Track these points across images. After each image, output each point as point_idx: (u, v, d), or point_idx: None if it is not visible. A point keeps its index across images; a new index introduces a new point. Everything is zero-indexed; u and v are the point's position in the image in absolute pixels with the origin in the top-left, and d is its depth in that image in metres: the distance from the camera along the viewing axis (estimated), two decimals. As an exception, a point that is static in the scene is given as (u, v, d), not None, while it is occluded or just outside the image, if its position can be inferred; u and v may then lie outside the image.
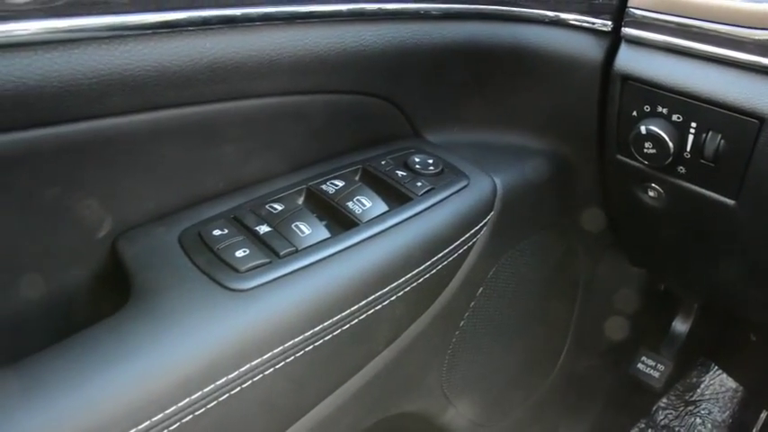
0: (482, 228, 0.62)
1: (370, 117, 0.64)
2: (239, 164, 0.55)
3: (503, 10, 0.64)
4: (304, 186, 0.56)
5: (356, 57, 0.56)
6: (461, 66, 0.66)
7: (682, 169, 0.61)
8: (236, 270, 0.46)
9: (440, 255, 0.57)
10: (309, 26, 0.52)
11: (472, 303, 0.68)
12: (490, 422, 0.85)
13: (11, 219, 0.44)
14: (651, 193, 0.68)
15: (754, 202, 0.58)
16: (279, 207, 0.53)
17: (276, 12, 0.49)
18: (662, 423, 1.29)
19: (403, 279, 0.54)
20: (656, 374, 1.10)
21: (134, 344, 0.41)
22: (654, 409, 1.28)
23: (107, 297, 0.49)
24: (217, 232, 0.49)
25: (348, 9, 0.54)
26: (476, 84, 0.69)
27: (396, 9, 0.58)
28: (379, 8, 0.56)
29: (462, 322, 0.68)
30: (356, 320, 0.51)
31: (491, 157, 0.69)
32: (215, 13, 0.46)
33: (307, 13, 0.51)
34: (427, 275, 0.57)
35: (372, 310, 0.52)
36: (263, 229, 0.50)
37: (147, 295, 0.44)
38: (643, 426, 1.27)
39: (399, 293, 0.54)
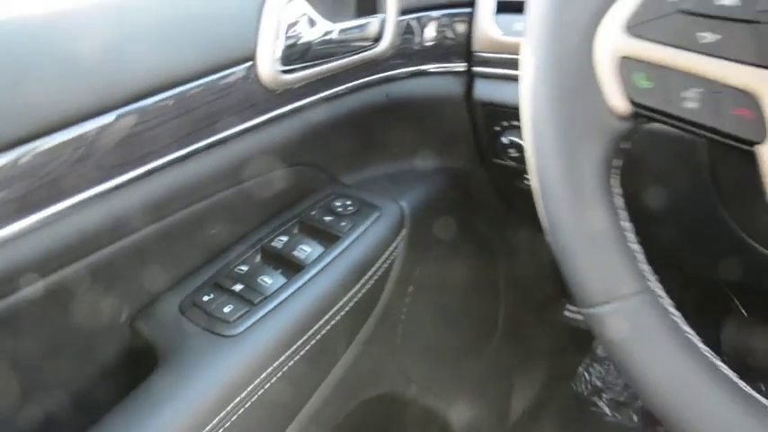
0: (398, 244, 0.81)
1: (301, 179, 0.82)
2: (212, 242, 0.73)
3: (380, 77, 0.83)
4: (259, 246, 0.75)
5: (291, 143, 0.75)
6: (363, 122, 0.85)
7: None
8: (228, 321, 0.64)
9: (370, 273, 0.76)
10: (253, 133, 0.70)
11: (407, 300, 0.87)
12: (447, 391, 1.05)
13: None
14: (527, 182, 0.88)
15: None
16: (245, 267, 0.72)
17: (222, 136, 0.67)
18: (603, 355, 1.48)
19: (347, 297, 0.73)
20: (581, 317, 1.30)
21: (173, 402, 0.59)
22: (594, 345, 1.47)
23: (129, 372, 0.66)
24: (206, 297, 0.67)
25: (284, 111, 0.72)
26: (377, 131, 0.88)
27: (310, 101, 0.76)
28: (295, 106, 0.74)
29: (403, 316, 0.88)
30: (319, 336, 0.69)
31: (398, 184, 0.88)
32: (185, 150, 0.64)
33: (246, 128, 0.69)
34: (364, 290, 0.75)
35: (329, 326, 0.70)
36: (238, 287, 0.68)
37: (173, 359, 0.62)
38: (589, 361, 1.46)
39: (346, 308, 0.73)
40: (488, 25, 0.79)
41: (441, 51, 0.83)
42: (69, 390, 0.66)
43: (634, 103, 0.40)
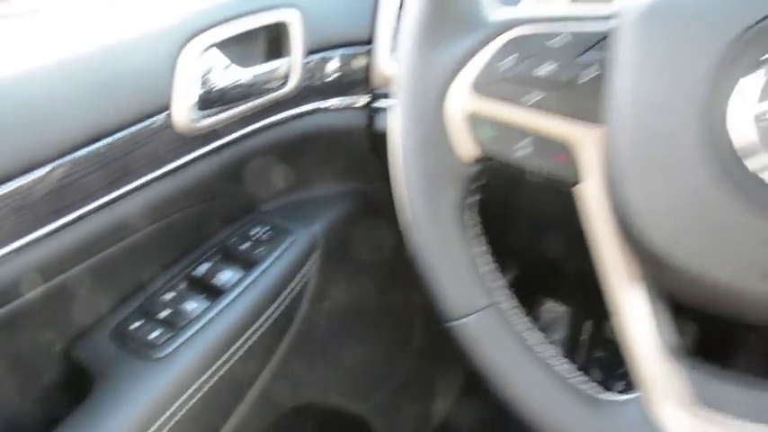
0: (312, 265, 0.90)
1: (222, 210, 0.90)
2: (141, 273, 0.80)
3: (289, 114, 0.91)
4: (184, 274, 0.82)
5: (210, 179, 0.82)
6: (277, 155, 0.93)
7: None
8: (155, 345, 0.71)
9: (285, 293, 0.84)
10: (175, 173, 0.77)
11: (324, 316, 0.96)
12: (368, 399, 1.14)
13: None
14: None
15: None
16: (171, 295, 0.79)
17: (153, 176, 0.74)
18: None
19: (264, 317, 0.80)
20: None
21: (106, 423, 0.66)
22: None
23: (65, 398, 0.73)
24: (135, 324, 0.74)
25: (203, 152, 0.80)
26: (290, 162, 0.96)
27: (227, 141, 0.83)
28: (213, 147, 0.81)
29: (320, 331, 0.96)
30: (240, 353, 0.77)
31: (312, 209, 0.97)
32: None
33: (168, 170, 0.76)
34: (281, 309, 0.83)
35: (249, 343, 0.78)
36: (165, 313, 0.76)
37: (105, 383, 0.69)
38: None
39: (265, 326, 0.81)
40: (386, 63, 0.88)
41: (344, 87, 0.92)
42: (6, 416, 0.72)
43: (480, 152, 0.50)
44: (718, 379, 0.47)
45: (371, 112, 0.93)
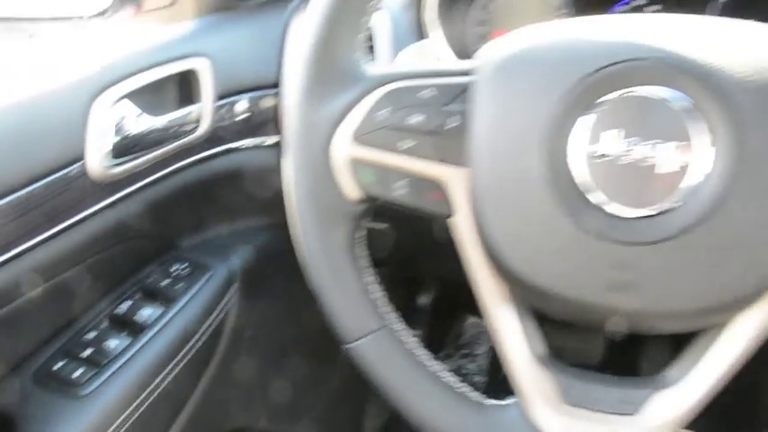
0: (231, 298, 0.94)
1: (142, 249, 0.94)
2: (64, 314, 0.83)
3: (203, 156, 0.96)
4: (106, 313, 0.86)
5: (130, 221, 0.85)
6: (194, 194, 0.97)
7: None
8: (78, 384, 0.75)
9: (205, 325, 0.88)
10: (94, 217, 0.80)
11: (246, 344, 1.01)
12: (298, 420, 1.19)
13: None
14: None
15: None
16: (94, 333, 0.82)
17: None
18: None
19: (185, 349, 0.85)
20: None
21: None
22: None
23: None
24: (59, 364, 0.78)
25: (119, 196, 0.83)
26: (207, 200, 1.01)
27: (143, 184, 0.87)
28: (129, 191, 0.85)
29: (244, 358, 1.01)
30: (163, 386, 0.81)
31: (231, 243, 1.02)
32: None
33: (87, 215, 0.79)
34: (202, 341, 0.88)
35: (171, 376, 0.82)
36: (87, 352, 0.79)
37: (29, 426, 0.72)
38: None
39: (187, 359, 0.85)
40: (293, 104, 0.94)
41: (254, 128, 0.98)
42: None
43: (364, 193, 0.56)
44: (581, 380, 0.54)
45: (281, 150, 0.98)
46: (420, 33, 0.90)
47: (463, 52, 0.91)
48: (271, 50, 0.97)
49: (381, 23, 0.90)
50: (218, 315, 0.91)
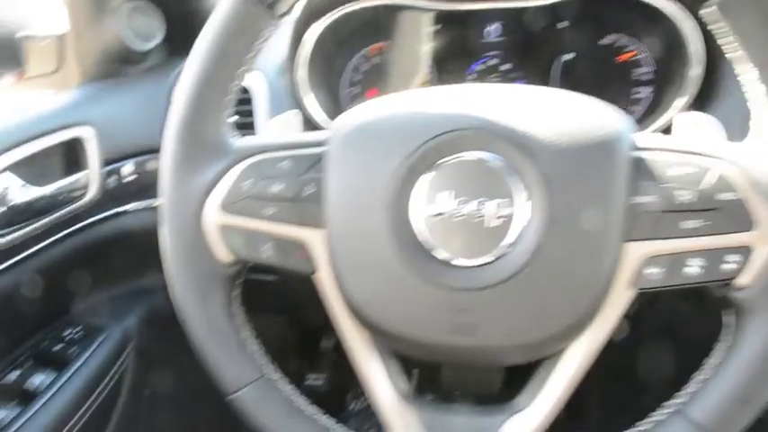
0: (127, 357, 0.96)
1: (34, 314, 0.94)
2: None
3: (92, 221, 0.98)
4: (-2, 383, 0.87)
5: (20, 287, 0.87)
6: (85, 258, 0.98)
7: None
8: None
9: (101, 387, 0.90)
10: None
11: (146, 402, 1.02)
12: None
13: None
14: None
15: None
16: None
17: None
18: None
19: (81, 412, 0.86)
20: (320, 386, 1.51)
21: None
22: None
23: None
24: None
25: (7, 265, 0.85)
26: (99, 263, 1.02)
27: (30, 252, 0.89)
28: (17, 260, 0.86)
29: (145, 413, 1.02)
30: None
31: (126, 303, 1.04)
32: None
33: None
34: (98, 402, 0.89)
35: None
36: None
37: None
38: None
39: (83, 421, 0.86)
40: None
41: (141, 191, 1.01)
42: None
43: (234, 257, 0.61)
44: (442, 412, 0.60)
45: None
46: (295, 96, 0.95)
47: (338, 112, 0.97)
48: (155, 115, 1.01)
49: (258, 87, 0.96)
50: (113, 376, 0.93)
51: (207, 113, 0.61)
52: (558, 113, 0.55)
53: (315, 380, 1.48)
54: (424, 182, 0.54)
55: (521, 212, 0.53)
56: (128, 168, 1.00)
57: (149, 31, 1.07)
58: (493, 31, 0.98)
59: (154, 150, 1.00)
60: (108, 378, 0.92)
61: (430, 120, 0.56)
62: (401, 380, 0.61)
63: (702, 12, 0.54)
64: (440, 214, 0.54)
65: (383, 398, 0.60)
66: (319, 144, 0.59)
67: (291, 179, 0.59)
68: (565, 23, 0.95)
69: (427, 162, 0.55)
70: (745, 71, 0.53)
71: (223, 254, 0.61)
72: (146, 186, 1.00)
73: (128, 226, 1.01)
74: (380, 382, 0.60)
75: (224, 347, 0.62)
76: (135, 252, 1.03)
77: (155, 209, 1.01)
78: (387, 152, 0.55)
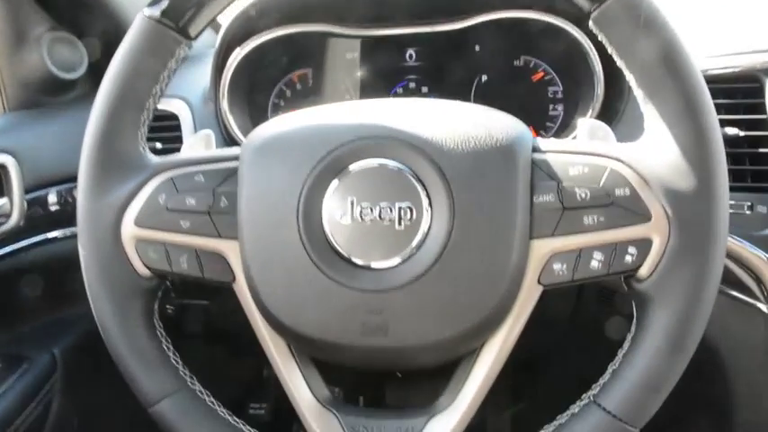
0: (52, 386, 0.95)
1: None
2: None
3: (16, 248, 0.97)
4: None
5: None
6: (10, 285, 0.98)
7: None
8: None
9: (21, 418, 0.88)
10: None
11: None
12: None
13: None
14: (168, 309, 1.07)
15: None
16: None
17: None
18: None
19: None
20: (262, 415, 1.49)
21: None
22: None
23: None
24: None
25: None
26: (22, 293, 1.01)
27: None
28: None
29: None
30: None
31: (51, 332, 1.02)
32: None
33: None
34: (23, 429, 0.88)
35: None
36: None
37: None
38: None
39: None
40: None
41: (66, 218, 1.00)
42: None
43: (152, 269, 0.61)
44: (363, 416, 0.61)
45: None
46: (220, 122, 0.97)
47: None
48: (80, 143, 1.01)
49: (185, 114, 0.97)
50: (37, 406, 0.91)
51: (122, 130, 0.62)
52: (459, 121, 0.58)
53: (258, 409, 1.47)
54: (333, 189, 0.56)
55: (424, 217, 0.55)
56: (52, 196, 0.99)
57: (72, 62, 1.07)
58: (412, 54, 1.02)
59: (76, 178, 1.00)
60: (30, 409, 0.90)
61: (334, 130, 0.58)
62: (322, 385, 0.62)
63: (590, 27, 0.57)
64: (351, 218, 0.56)
65: (303, 404, 0.61)
66: (233, 158, 0.61)
67: (206, 192, 0.60)
68: (479, 46, 0.99)
69: (334, 170, 0.57)
70: (629, 79, 0.57)
71: (140, 267, 0.61)
72: (71, 214, 0.99)
73: (53, 253, 1.00)
74: (300, 388, 0.62)
75: (142, 359, 0.62)
76: (61, 279, 1.02)
77: (79, 236, 1.01)
78: (295, 162, 0.57)
